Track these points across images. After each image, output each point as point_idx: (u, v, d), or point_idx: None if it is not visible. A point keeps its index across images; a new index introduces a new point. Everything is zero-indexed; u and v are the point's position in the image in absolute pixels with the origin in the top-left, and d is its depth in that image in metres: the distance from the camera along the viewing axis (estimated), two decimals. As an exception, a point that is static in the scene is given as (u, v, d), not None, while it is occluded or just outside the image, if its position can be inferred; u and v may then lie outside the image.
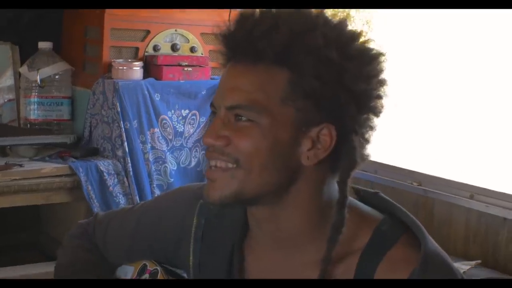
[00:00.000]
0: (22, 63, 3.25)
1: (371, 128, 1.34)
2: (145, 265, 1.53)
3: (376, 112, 1.33)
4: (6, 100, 3.28)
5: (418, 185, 2.99)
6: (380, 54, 1.33)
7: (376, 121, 1.34)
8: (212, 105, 1.35)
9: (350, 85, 1.28)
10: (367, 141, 1.34)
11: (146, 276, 1.51)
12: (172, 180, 3.11)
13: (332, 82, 1.27)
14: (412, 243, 1.30)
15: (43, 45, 3.20)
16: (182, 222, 1.50)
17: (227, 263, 1.43)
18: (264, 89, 1.28)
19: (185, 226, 1.49)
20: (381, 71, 1.33)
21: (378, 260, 1.29)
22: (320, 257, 1.31)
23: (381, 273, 1.28)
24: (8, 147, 3.06)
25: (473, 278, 1.50)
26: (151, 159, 3.06)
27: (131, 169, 2.99)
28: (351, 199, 1.34)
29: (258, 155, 1.28)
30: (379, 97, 1.33)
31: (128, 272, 1.56)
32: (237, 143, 1.29)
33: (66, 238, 1.67)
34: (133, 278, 1.53)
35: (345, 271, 1.31)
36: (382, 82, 1.33)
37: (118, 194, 2.98)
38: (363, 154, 1.34)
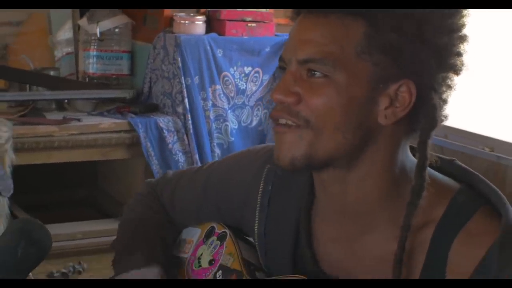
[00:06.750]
0: (81, 16, 3.24)
1: (450, 87, 1.26)
2: (212, 228, 1.49)
3: (457, 70, 1.24)
4: (64, 53, 3.30)
5: (490, 151, 2.91)
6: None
7: (456, 80, 1.26)
8: (281, 59, 1.28)
9: (431, 38, 1.20)
10: (445, 101, 1.26)
11: (213, 238, 1.47)
12: (233, 139, 3.09)
13: (412, 35, 1.19)
14: (491, 216, 1.23)
15: (104, -3, 3.17)
16: (249, 187, 1.45)
17: (293, 231, 1.38)
18: (338, 41, 1.21)
19: (252, 191, 1.44)
20: (463, 25, 1.25)
21: (455, 233, 1.22)
22: (392, 230, 1.25)
23: (457, 247, 1.22)
24: (66, 101, 3.08)
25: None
26: (211, 117, 3.03)
27: (191, 127, 2.98)
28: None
29: (331, 114, 1.21)
30: (460, 54, 1.24)
31: (194, 234, 1.52)
32: (309, 101, 1.22)
33: (134, 196, 1.64)
34: (200, 240, 1.50)
35: (420, 243, 1.25)
36: (463, 38, 1.24)
37: (177, 152, 2.97)
38: (442, 114, 1.26)
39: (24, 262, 1.29)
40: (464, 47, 1.24)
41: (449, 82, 1.25)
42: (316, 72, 1.21)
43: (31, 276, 1.34)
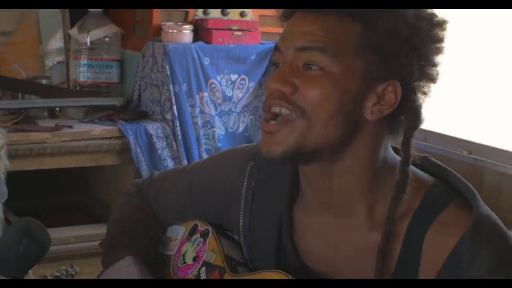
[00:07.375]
0: (72, 25, 3.26)
1: (425, 93, 1.33)
2: (196, 225, 1.53)
3: (433, 78, 1.32)
4: (55, 62, 3.31)
5: (468, 154, 2.96)
6: (445, 21, 1.32)
7: (432, 87, 1.33)
8: (273, 56, 1.33)
9: (419, 45, 1.27)
10: (420, 106, 1.33)
11: (197, 236, 1.52)
12: (220, 144, 3.10)
13: (404, 40, 1.26)
14: (463, 208, 1.28)
15: (93, 7, 3.19)
16: (233, 184, 1.49)
17: (277, 225, 1.42)
18: (336, 36, 1.26)
19: (236, 187, 1.48)
20: (444, 37, 1.32)
21: (429, 223, 1.28)
22: (369, 220, 1.32)
23: (431, 236, 1.28)
24: (58, 108, 3.09)
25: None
26: (199, 123, 3.05)
27: (179, 133, 3.00)
28: None
29: (326, 106, 1.26)
30: (437, 64, 1.31)
31: (179, 232, 1.56)
32: (305, 92, 1.26)
33: (121, 196, 1.68)
34: (184, 238, 1.54)
35: (396, 234, 1.31)
36: (442, 50, 1.31)
37: (166, 157, 2.99)
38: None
39: (26, 259, 1.33)
40: (441, 58, 1.31)
41: (425, 89, 1.32)
42: (312, 66, 1.26)
43: (30, 273, 1.39)
